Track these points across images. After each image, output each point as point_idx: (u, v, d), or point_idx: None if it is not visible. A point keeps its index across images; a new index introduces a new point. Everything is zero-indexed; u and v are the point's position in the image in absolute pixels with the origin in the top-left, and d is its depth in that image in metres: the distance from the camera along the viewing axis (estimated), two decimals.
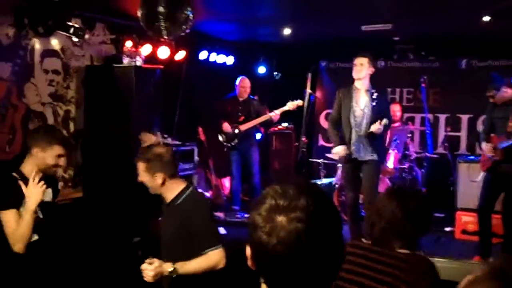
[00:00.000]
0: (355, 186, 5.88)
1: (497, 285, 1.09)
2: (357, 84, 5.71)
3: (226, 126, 7.45)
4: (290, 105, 7.22)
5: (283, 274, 1.21)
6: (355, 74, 5.67)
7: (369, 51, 5.78)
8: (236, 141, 7.47)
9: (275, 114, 7.33)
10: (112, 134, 5.88)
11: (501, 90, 5.33)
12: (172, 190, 3.23)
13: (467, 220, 6.56)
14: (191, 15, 3.98)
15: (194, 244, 3.10)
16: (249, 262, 1.28)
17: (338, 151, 5.75)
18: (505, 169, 5.30)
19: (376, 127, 5.51)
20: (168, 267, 2.99)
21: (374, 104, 5.58)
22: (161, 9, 3.81)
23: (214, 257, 3.09)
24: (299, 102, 7.22)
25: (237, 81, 7.61)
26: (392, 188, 2.71)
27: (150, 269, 2.98)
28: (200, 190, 6.88)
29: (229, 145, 7.52)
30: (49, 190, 3.46)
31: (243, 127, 7.44)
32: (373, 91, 5.63)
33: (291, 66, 9.05)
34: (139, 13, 4.02)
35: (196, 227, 3.11)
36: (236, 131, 7.43)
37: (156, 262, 2.99)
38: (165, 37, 3.94)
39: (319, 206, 1.22)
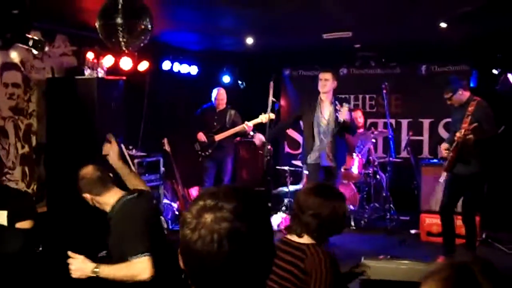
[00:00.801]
0: None
1: (451, 273, 1.23)
2: (322, 96, 6.12)
3: (201, 136, 7.48)
4: (263, 118, 7.04)
5: (205, 274, 1.22)
6: (320, 88, 6.09)
7: (331, 58, 6.03)
8: (210, 150, 7.50)
9: (248, 126, 7.35)
10: (75, 147, 5.80)
11: (457, 93, 5.46)
12: (108, 204, 3.22)
13: (431, 222, 6.68)
14: (149, 25, 3.97)
15: (124, 251, 2.99)
16: (180, 261, 1.28)
17: (260, 137, 6.50)
18: (460, 170, 5.43)
19: (343, 115, 5.85)
20: (92, 267, 2.95)
21: (338, 114, 5.94)
22: (118, 20, 3.78)
23: (137, 265, 2.90)
24: (272, 115, 7.14)
25: (214, 93, 7.69)
26: (318, 185, 2.83)
27: (71, 263, 2.95)
28: (164, 196, 6.99)
29: (203, 154, 7.54)
30: (2, 213, 3.43)
31: (218, 137, 7.48)
32: (337, 102, 6.03)
33: (255, 74, 9.05)
34: (97, 25, 3.99)
35: (123, 233, 3.05)
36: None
37: (80, 258, 2.97)
38: (124, 49, 3.91)
39: (248, 209, 1.23)
